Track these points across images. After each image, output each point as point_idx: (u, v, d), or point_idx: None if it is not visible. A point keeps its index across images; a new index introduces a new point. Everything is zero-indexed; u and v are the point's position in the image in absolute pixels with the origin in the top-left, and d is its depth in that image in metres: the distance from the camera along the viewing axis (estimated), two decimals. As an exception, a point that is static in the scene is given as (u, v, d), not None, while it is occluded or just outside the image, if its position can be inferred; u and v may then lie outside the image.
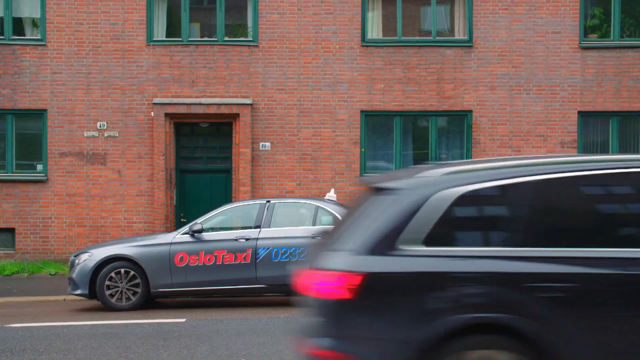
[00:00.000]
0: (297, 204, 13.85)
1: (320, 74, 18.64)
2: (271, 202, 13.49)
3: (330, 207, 13.39)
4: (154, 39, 18.72)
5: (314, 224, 13.24)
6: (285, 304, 13.49)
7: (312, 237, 13.01)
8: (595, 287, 5.43)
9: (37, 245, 18.58)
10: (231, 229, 13.46)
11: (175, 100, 18.49)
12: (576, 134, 18.65)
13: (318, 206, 13.40)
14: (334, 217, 13.22)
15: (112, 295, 13.07)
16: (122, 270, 13.07)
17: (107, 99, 18.62)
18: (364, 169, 18.71)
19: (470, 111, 18.70)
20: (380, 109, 18.70)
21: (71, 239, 18.53)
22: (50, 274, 17.47)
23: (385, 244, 5.47)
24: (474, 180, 5.63)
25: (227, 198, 18.65)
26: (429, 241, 5.48)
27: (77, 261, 13.31)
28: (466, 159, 18.71)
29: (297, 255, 12.94)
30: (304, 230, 13.12)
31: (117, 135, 18.61)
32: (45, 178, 18.59)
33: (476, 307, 5.36)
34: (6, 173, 18.70)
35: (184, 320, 11.78)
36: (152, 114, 18.48)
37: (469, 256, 5.47)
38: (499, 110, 18.66)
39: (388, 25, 19.01)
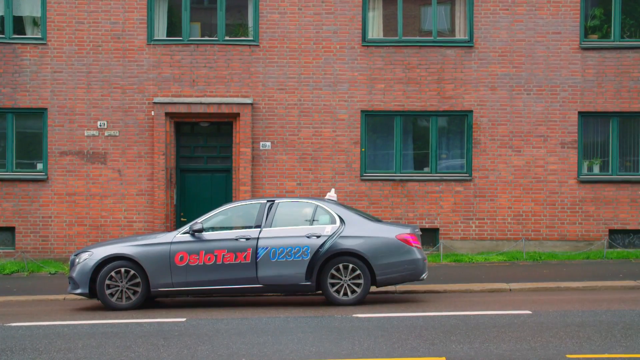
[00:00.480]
0: (298, 204, 13.77)
1: (320, 74, 18.65)
2: (272, 201, 13.46)
3: (330, 207, 13.37)
4: (155, 38, 18.72)
5: (314, 223, 13.21)
6: (286, 304, 13.50)
7: (307, 237, 12.99)
8: None
9: (37, 244, 18.58)
10: (231, 228, 13.42)
11: (175, 99, 18.49)
12: (576, 134, 18.66)
13: (319, 206, 13.37)
14: (332, 217, 13.19)
15: (112, 295, 13.06)
16: (123, 269, 13.05)
17: (108, 98, 18.63)
18: (364, 169, 18.71)
19: (471, 111, 18.71)
20: (380, 108, 18.71)
21: (71, 238, 18.54)
22: (50, 273, 17.47)
23: None
24: None
25: (227, 197, 18.67)
26: None
27: (77, 260, 13.30)
28: (467, 159, 18.74)
29: (295, 255, 12.91)
30: (304, 230, 13.10)
31: (117, 134, 18.61)
32: (45, 177, 18.60)
33: None
34: (6, 172, 18.70)
35: (184, 319, 11.77)
36: (153, 113, 18.48)
37: None
38: (499, 110, 18.67)
39: (389, 25, 19.02)
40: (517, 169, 18.66)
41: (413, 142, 19.05)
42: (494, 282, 15.28)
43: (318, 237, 12.97)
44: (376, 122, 18.90)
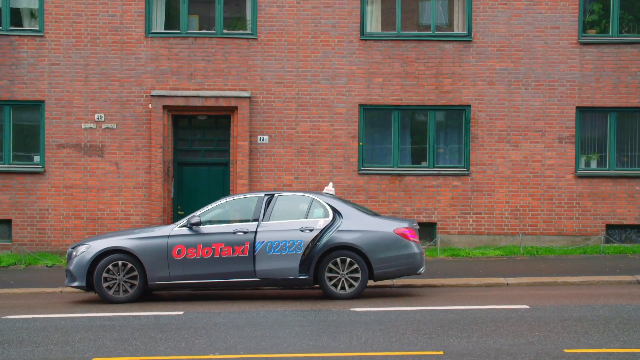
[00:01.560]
0: (296, 198, 13.73)
1: (318, 68, 18.62)
2: (270, 195, 13.45)
3: (327, 201, 13.36)
4: (153, 31, 18.68)
5: (309, 217, 13.18)
6: (283, 298, 13.50)
7: (301, 230, 12.97)
8: None
9: (34, 237, 18.56)
10: (229, 222, 13.40)
11: (173, 92, 18.46)
12: (574, 129, 18.66)
13: (315, 200, 13.35)
14: (326, 210, 13.16)
15: (109, 288, 13.05)
16: (120, 262, 13.04)
17: (105, 91, 18.59)
18: (362, 163, 18.70)
19: (469, 106, 18.70)
20: (378, 103, 18.69)
21: (68, 231, 18.52)
22: (47, 266, 17.46)
23: None
24: None
25: (224, 191, 18.65)
26: None
27: (74, 253, 13.28)
28: (464, 153, 18.73)
29: (289, 248, 12.88)
30: (299, 223, 13.08)
31: (114, 127, 18.58)
32: (42, 170, 18.56)
33: None
34: (3, 164, 18.67)
35: (181, 312, 11.77)
36: (150, 106, 18.45)
37: None
38: (497, 105, 18.67)
39: (387, 19, 18.99)
40: (515, 163, 18.66)
41: (411, 136, 19.04)
42: (492, 276, 15.29)
43: (311, 230, 12.96)
44: (374, 116, 18.89)
